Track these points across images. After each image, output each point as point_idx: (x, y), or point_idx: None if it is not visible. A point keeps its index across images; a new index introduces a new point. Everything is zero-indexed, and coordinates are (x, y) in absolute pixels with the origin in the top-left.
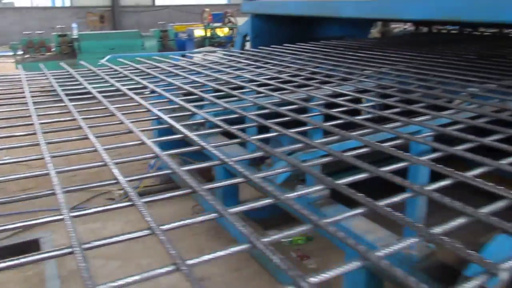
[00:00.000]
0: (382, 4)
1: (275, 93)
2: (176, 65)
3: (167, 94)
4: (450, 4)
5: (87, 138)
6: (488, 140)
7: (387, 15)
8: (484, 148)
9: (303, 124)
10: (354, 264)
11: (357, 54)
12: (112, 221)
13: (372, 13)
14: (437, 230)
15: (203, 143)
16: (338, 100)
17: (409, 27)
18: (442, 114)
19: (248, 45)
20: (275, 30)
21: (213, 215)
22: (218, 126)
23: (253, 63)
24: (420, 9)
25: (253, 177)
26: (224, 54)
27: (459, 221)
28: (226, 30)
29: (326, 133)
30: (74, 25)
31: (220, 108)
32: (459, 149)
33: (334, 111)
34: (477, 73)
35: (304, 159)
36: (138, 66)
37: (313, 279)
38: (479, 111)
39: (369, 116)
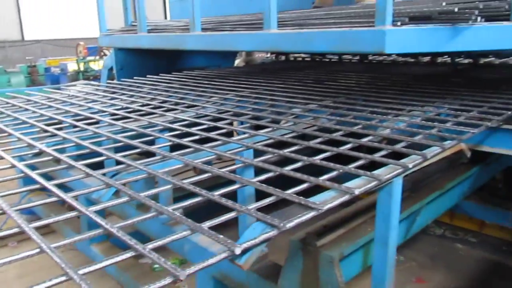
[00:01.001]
0: (220, 38)
1: (118, 122)
2: (29, 101)
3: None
4: (269, 38)
5: None
6: (286, 151)
7: (224, 47)
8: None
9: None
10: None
11: (212, 83)
12: None
13: (212, 45)
14: (206, 223)
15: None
16: (175, 126)
17: (270, 55)
18: (259, 132)
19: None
20: (140, 62)
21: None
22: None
23: (108, 94)
24: (249, 41)
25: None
26: (83, 87)
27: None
28: (102, 63)
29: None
30: None
31: (59, 139)
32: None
33: (166, 136)
34: (306, 95)
35: (125, 178)
36: None
37: None
38: (294, 128)
39: (197, 137)
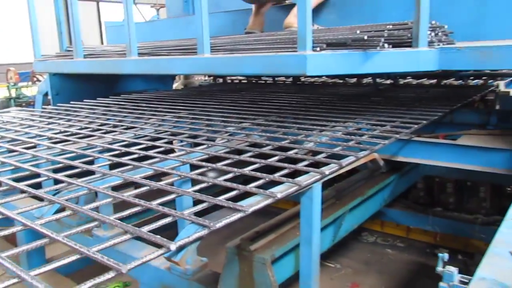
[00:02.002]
0: (156, 62)
1: (57, 145)
2: None
3: None
4: (202, 62)
5: None
6: (219, 164)
7: (160, 71)
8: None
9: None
10: None
11: (150, 105)
12: None
13: (149, 69)
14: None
15: None
16: (114, 146)
17: (208, 78)
18: (195, 149)
19: None
20: (76, 87)
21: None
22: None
23: (45, 119)
24: (183, 65)
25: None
26: (18, 113)
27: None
28: (35, 89)
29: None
30: None
31: None
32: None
33: (106, 156)
34: (240, 115)
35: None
36: None
37: None
38: (228, 144)
39: (136, 156)
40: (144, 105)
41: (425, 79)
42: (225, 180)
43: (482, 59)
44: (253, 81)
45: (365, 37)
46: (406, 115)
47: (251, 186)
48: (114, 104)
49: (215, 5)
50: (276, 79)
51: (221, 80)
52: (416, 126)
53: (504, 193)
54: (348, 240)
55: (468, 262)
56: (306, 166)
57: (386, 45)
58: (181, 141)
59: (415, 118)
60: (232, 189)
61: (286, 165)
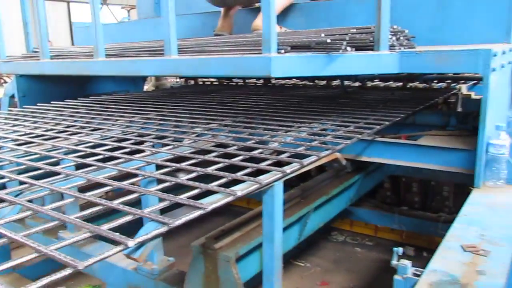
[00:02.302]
0: (123, 63)
1: (21, 147)
2: None
3: None
4: (169, 63)
5: None
6: (184, 164)
7: (128, 72)
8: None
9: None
10: None
11: (119, 107)
12: None
13: (116, 71)
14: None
15: None
16: (80, 147)
17: (179, 80)
18: (161, 150)
19: None
20: (44, 89)
21: None
22: None
23: (10, 122)
24: (151, 67)
25: None
26: None
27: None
28: (1, 91)
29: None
30: None
31: None
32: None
33: (71, 157)
34: (209, 116)
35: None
36: None
37: None
38: (194, 145)
39: (101, 157)
40: (113, 106)
41: (391, 82)
42: (188, 179)
43: (439, 63)
44: (224, 83)
45: (328, 40)
46: (370, 116)
47: (213, 185)
48: (82, 106)
49: (186, 7)
50: (246, 81)
51: (192, 82)
52: (378, 127)
53: (466, 192)
54: (318, 239)
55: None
56: (269, 165)
57: (349, 48)
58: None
59: (379, 119)
60: (194, 188)
61: (249, 164)
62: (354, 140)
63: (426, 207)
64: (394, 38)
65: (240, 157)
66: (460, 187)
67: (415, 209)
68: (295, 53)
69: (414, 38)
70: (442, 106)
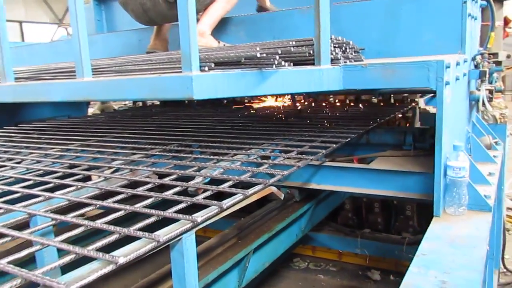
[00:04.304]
0: (32, 88)
1: None
2: None
3: None
4: (82, 86)
5: None
6: (110, 201)
7: (38, 97)
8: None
9: None
10: None
11: (51, 135)
12: None
13: (24, 97)
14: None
15: None
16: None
17: (128, 102)
18: (87, 184)
19: None
20: None
21: None
22: None
23: None
24: (62, 91)
25: None
26: None
27: None
28: None
29: None
30: None
31: None
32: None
33: None
34: (140, 144)
35: None
36: None
37: None
38: (104, 185)
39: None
40: (45, 135)
41: (346, 97)
42: (105, 223)
43: (387, 77)
44: (172, 104)
45: (258, 55)
46: (319, 137)
47: (135, 228)
48: (7, 135)
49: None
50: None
51: (141, 104)
52: (324, 151)
53: (431, 211)
54: (279, 267)
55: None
56: (176, 211)
57: (286, 63)
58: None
59: (326, 141)
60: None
61: (153, 212)
62: (293, 170)
63: (389, 228)
64: (338, 50)
65: (149, 200)
66: (423, 205)
67: (378, 230)
68: (220, 71)
69: (364, 50)
70: (401, 121)
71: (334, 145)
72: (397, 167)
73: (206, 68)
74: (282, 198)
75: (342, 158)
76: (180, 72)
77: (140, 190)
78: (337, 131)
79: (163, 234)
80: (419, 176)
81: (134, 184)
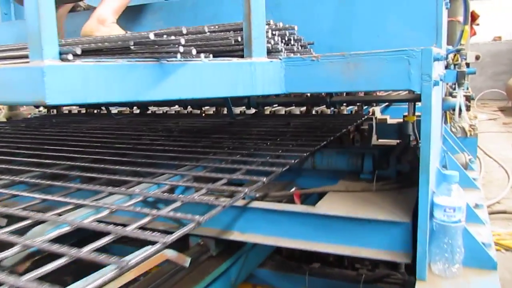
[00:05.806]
0: None
1: None
2: None
3: None
4: None
5: None
6: None
7: None
8: None
9: None
10: None
11: None
12: None
13: None
14: None
15: None
16: None
17: (42, 109)
18: None
19: None
20: None
21: None
22: None
23: None
24: None
25: None
26: None
27: None
28: None
29: None
30: None
31: None
32: None
33: None
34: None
35: None
36: None
37: None
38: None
39: None
40: None
41: (294, 106)
42: None
43: (349, 75)
44: (95, 111)
45: (152, 37)
46: (245, 164)
47: None
48: None
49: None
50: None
51: (55, 111)
52: (246, 190)
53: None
54: None
55: None
56: None
57: (202, 55)
58: None
59: (252, 171)
60: None
61: None
62: (207, 218)
63: (343, 262)
64: (278, 39)
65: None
66: None
67: (330, 265)
68: (93, 61)
69: (313, 44)
70: (355, 135)
71: (264, 179)
72: (355, 211)
73: (70, 56)
74: (186, 265)
75: (278, 192)
76: (28, 62)
77: None
78: (272, 152)
79: None
80: (389, 225)
81: None
